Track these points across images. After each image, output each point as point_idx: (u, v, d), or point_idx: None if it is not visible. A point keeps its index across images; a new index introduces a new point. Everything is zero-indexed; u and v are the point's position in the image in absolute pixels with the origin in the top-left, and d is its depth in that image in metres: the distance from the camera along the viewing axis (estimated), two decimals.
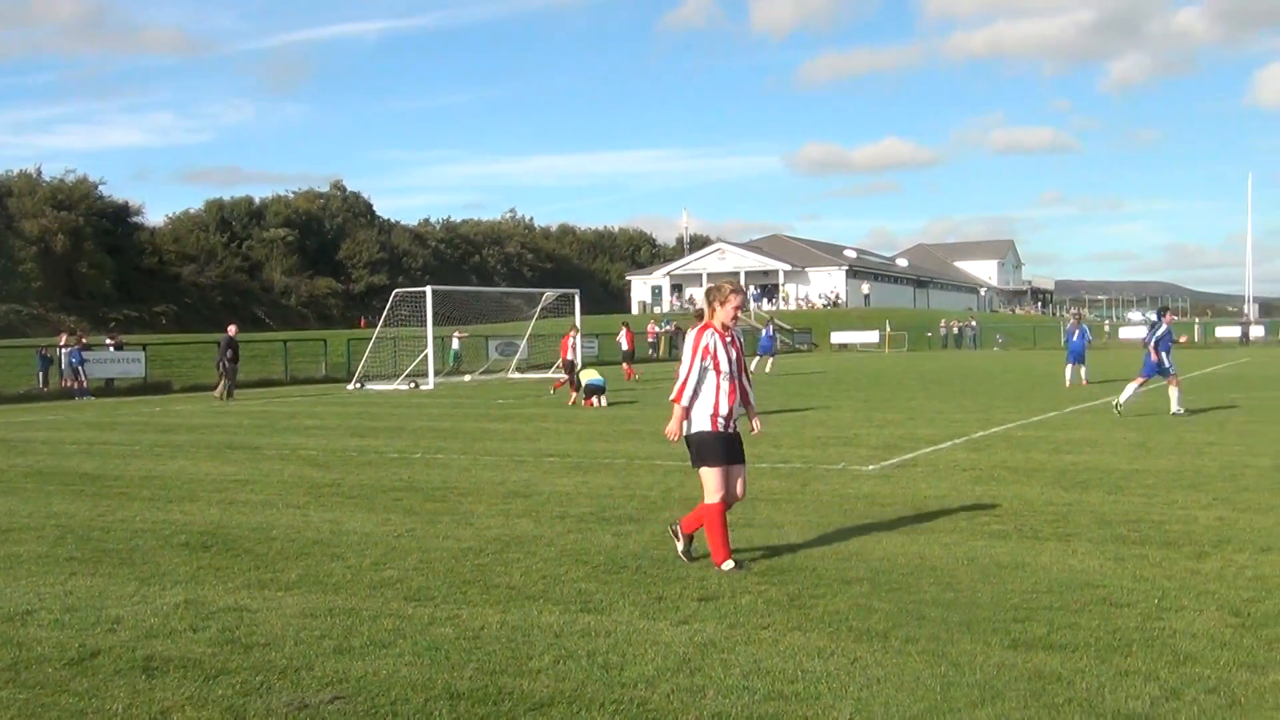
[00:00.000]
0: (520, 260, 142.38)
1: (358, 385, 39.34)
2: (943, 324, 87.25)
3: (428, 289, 41.01)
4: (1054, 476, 13.32)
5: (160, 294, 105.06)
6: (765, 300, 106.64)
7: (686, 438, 8.69)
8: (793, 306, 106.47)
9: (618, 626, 7.00)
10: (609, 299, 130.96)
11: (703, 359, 8.56)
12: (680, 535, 8.92)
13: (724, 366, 8.57)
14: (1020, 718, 5.31)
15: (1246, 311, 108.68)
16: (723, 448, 8.61)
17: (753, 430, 9.26)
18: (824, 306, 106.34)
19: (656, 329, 68.10)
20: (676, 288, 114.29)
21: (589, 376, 27.18)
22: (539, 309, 49.12)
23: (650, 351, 64.45)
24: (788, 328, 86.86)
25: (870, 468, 14.40)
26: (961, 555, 8.93)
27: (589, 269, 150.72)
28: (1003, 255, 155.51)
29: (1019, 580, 8.04)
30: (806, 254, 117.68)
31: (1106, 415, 21.86)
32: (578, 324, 37.64)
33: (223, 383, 33.42)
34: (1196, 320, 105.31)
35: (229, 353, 33.43)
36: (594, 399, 26.81)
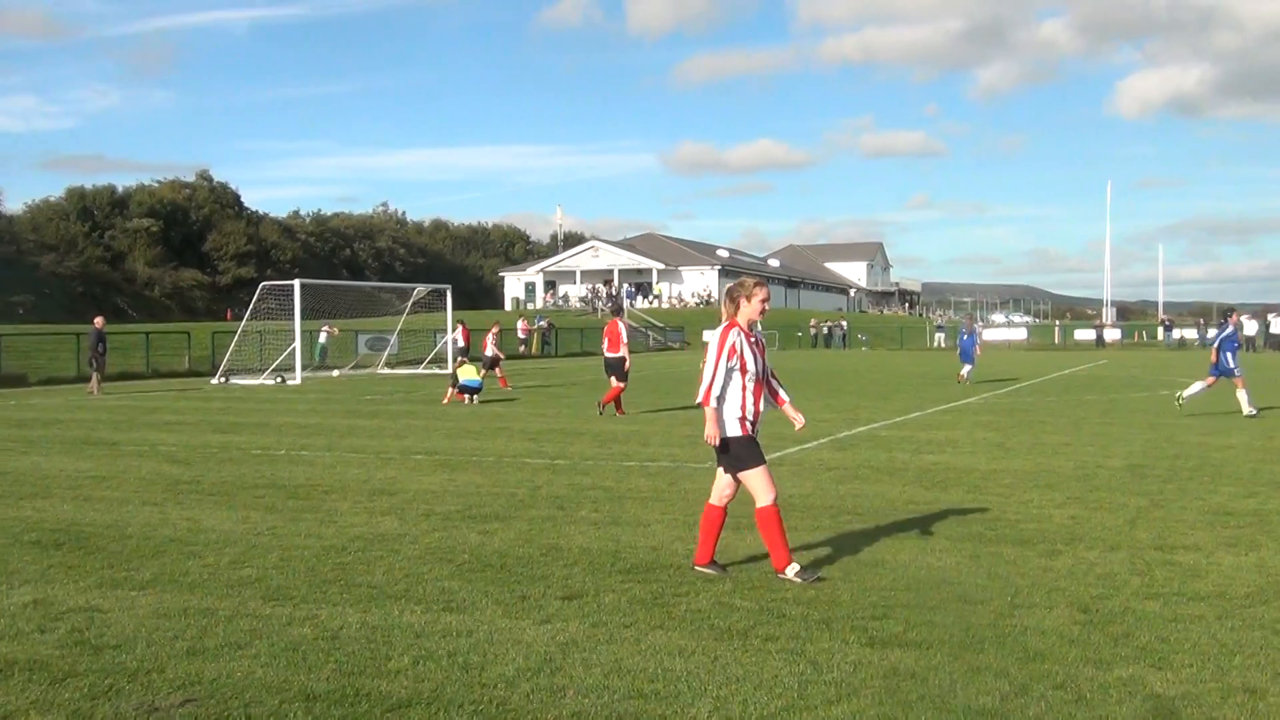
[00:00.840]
0: (392, 255, 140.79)
1: (222, 379, 38.57)
2: (812, 324, 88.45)
3: (296, 282, 40.38)
4: (916, 476, 13.57)
5: (17, 284, 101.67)
6: (639, 298, 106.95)
7: (722, 440, 8.32)
8: (666, 305, 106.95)
9: (479, 626, 6.96)
10: (482, 295, 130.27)
11: (728, 359, 8.21)
12: (783, 569, 8.12)
13: (750, 367, 8.26)
14: (874, 714, 5.40)
15: (1104, 315, 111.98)
16: (758, 448, 8.38)
17: (797, 425, 9.11)
18: (697, 305, 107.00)
19: (529, 326, 67.87)
20: (550, 284, 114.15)
21: (466, 375, 26.96)
22: (410, 304, 48.70)
23: (521, 348, 64.21)
24: (660, 326, 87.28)
25: None
26: (823, 553, 9.05)
27: (462, 265, 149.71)
28: (872, 257, 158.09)
29: (878, 578, 8.17)
30: (680, 253, 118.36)
31: (969, 415, 22.34)
32: (485, 322, 37.41)
33: (95, 376, 32.53)
34: (1057, 323, 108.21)
35: (99, 346, 32.58)
36: (466, 396, 26.65)
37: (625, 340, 23.60)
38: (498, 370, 32.28)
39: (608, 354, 23.85)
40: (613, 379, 23.43)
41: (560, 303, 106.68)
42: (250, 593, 7.88)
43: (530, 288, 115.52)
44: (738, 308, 8.46)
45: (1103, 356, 61.84)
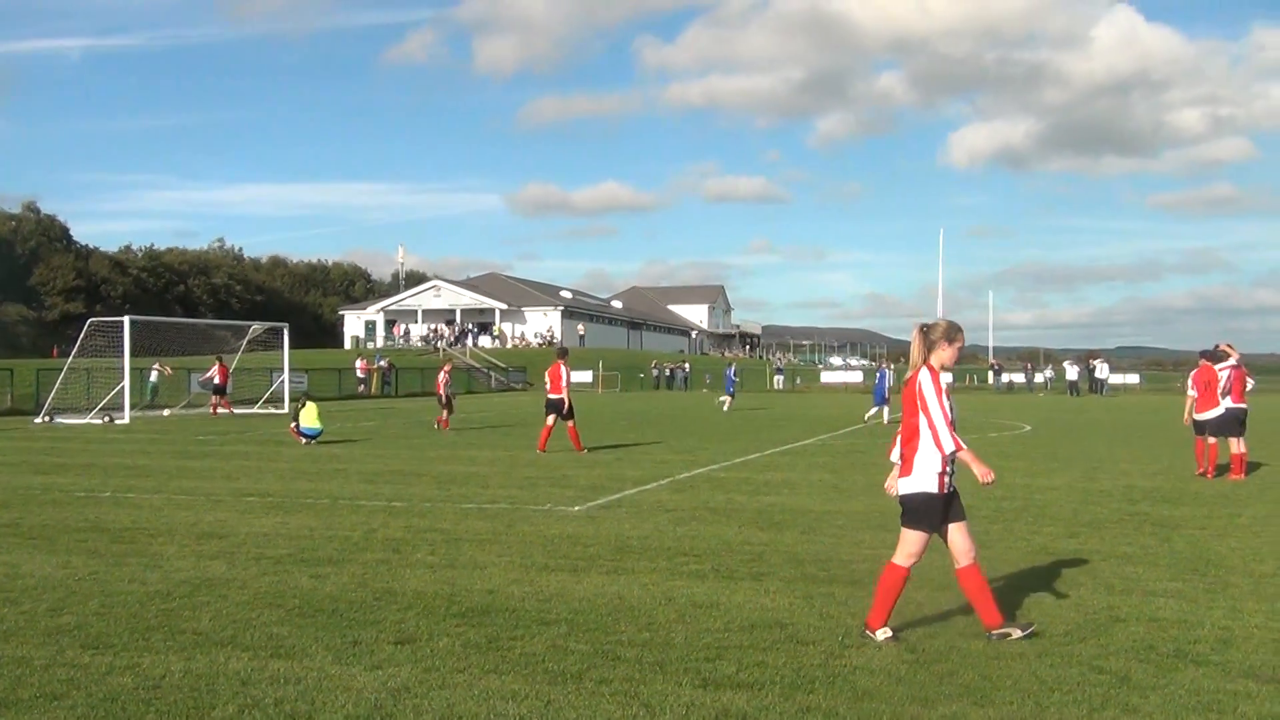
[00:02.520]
0: (228, 292, 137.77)
1: (46, 418, 37.22)
2: (654, 365, 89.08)
3: (125, 319, 39.26)
4: (752, 517, 13.73)
5: None
6: (481, 338, 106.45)
7: (904, 496, 7.82)
8: (509, 345, 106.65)
9: (309, 672, 6.82)
10: (321, 333, 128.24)
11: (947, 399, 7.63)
12: (874, 630, 7.74)
13: (952, 414, 7.71)
14: None
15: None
16: (943, 510, 7.80)
17: (985, 479, 7.79)
18: (539, 346, 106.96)
19: (369, 365, 66.99)
20: (391, 323, 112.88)
21: (308, 421, 26.31)
22: (245, 342, 47.71)
23: (360, 388, 63.31)
24: (503, 366, 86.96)
25: (576, 508, 14.51)
26: (660, 595, 9.09)
27: (301, 302, 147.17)
28: (713, 300, 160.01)
29: (713, 620, 8.24)
30: (523, 293, 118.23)
31: (805, 457, 22.69)
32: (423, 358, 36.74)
33: None
34: (891, 366, 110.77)
35: None
36: (303, 438, 26.12)
37: (566, 382, 24.03)
38: (446, 413, 32.22)
39: (549, 395, 24.19)
40: (550, 419, 23.86)
41: (400, 341, 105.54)
42: (68, 640, 7.59)
43: (370, 326, 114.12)
44: (934, 350, 7.86)
45: None
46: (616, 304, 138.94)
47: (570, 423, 23.97)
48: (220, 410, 41.25)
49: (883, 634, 7.68)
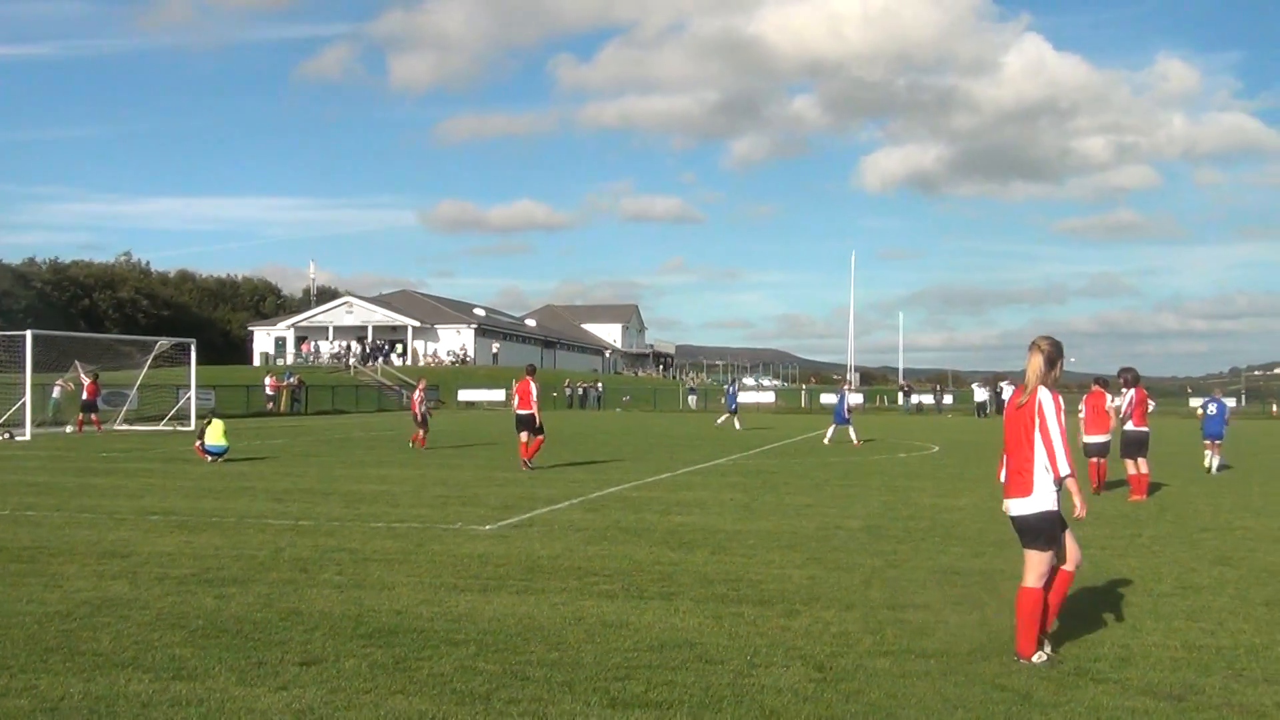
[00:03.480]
0: (135, 306, 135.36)
1: None
2: (567, 384, 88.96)
3: (28, 333, 38.47)
4: (663, 536, 13.76)
5: None
6: (391, 356, 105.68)
7: (1024, 516, 7.75)
8: (421, 363, 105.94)
9: (211, 694, 6.72)
10: (230, 349, 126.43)
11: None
12: (1029, 655, 7.69)
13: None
14: None
15: (848, 379, 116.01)
16: (1060, 526, 7.84)
17: (1079, 513, 7.83)
18: (452, 364, 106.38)
19: (278, 382, 66.21)
20: (301, 340, 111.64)
21: (213, 439, 25.90)
22: (151, 358, 46.92)
23: (269, 405, 62.54)
24: (414, 384, 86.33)
25: (487, 527, 14.45)
26: (570, 615, 9.08)
27: (209, 318, 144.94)
28: (628, 319, 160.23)
29: (623, 639, 8.24)
30: (436, 311, 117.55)
31: (717, 476, 22.79)
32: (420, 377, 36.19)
33: None
34: (803, 387, 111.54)
35: None
36: (209, 456, 25.73)
37: (535, 398, 24.36)
38: (422, 431, 31.99)
39: (518, 411, 24.57)
40: (523, 435, 24.20)
41: (311, 359, 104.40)
42: None
43: (280, 343, 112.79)
44: (1054, 369, 7.91)
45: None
46: (530, 322, 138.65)
47: (539, 438, 24.39)
48: (87, 428, 40.32)
49: (1038, 657, 7.67)
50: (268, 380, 65.86)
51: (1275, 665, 7.70)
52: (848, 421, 36.42)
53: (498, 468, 24.62)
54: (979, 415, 72.91)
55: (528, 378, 24.84)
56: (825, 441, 35.92)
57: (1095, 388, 20.35)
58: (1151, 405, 20.34)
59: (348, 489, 19.45)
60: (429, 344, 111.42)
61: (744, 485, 20.92)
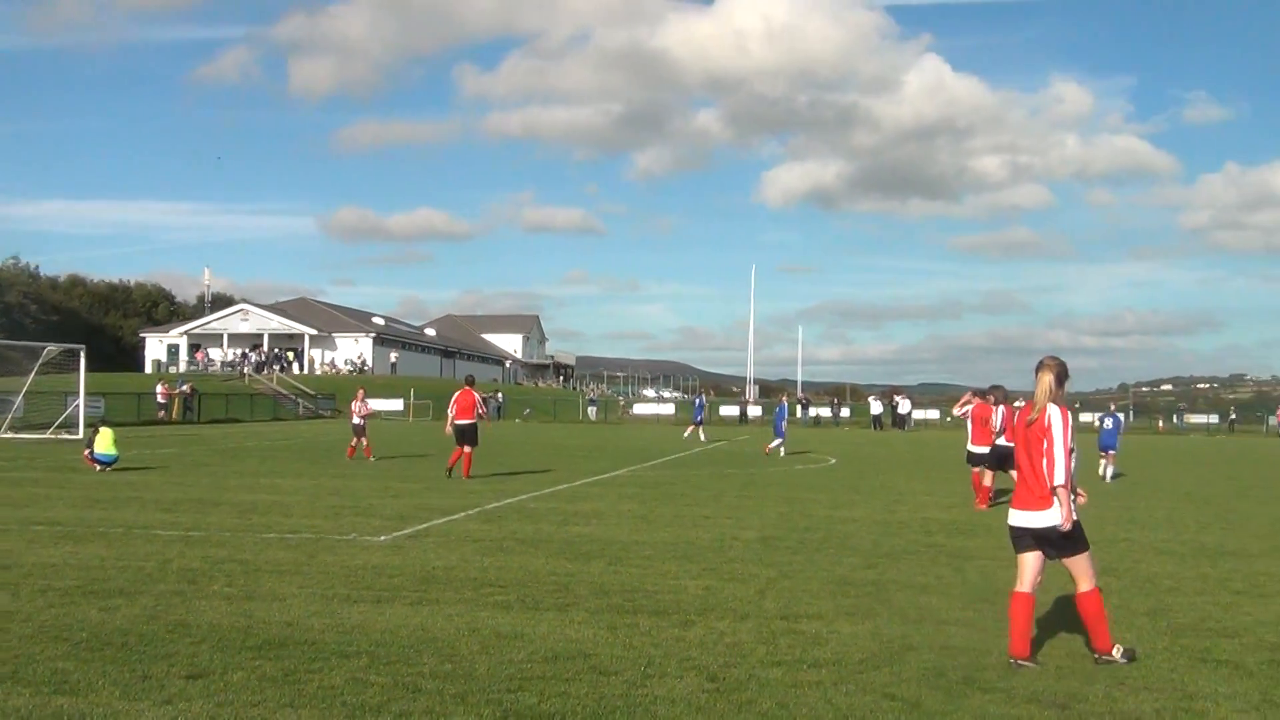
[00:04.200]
0: (22, 311, 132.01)
1: None
2: None
3: None
4: (560, 547, 13.73)
5: None
6: (291, 365, 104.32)
7: (1051, 529, 8.04)
8: (318, 372, 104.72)
9: (94, 709, 6.57)
10: (121, 357, 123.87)
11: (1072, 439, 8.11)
12: (1110, 650, 8.13)
13: (1074, 447, 8.22)
14: None
15: (747, 392, 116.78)
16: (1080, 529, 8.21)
17: (1065, 524, 8.09)
18: (350, 373, 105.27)
19: (170, 390, 64.98)
20: (195, 347, 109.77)
21: (103, 446, 25.35)
22: (39, 364, 45.82)
23: (161, 414, 61.36)
24: (311, 393, 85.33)
25: (382, 538, 14.32)
26: (464, 626, 9.02)
27: (100, 324, 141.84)
28: (528, 330, 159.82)
29: (517, 650, 8.21)
30: (334, 319, 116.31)
31: (615, 488, 22.81)
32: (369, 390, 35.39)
33: None
34: (703, 399, 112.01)
35: None
36: (98, 465, 25.18)
37: (479, 407, 24.99)
38: (363, 439, 31.15)
39: (457, 421, 24.78)
40: (465, 446, 24.54)
41: (205, 367, 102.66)
42: None
43: (173, 350, 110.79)
44: (1061, 387, 8.29)
45: (745, 432, 64.31)
46: (430, 332, 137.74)
47: (470, 450, 24.68)
48: None
49: (1118, 651, 8.10)
50: (159, 388, 64.59)
51: (1157, 674, 7.88)
52: (782, 435, 37.24)
53: (394, 478, 24.41)
54: (875, 428, 73.87)
55: (468, 388, 25.30)
56: (773, 452, 36.65)
57: (978, 400, 20.88)
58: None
59: (239, 499, 19.15)
60: (326, 353, 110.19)
61: (641, 496, 20.95)
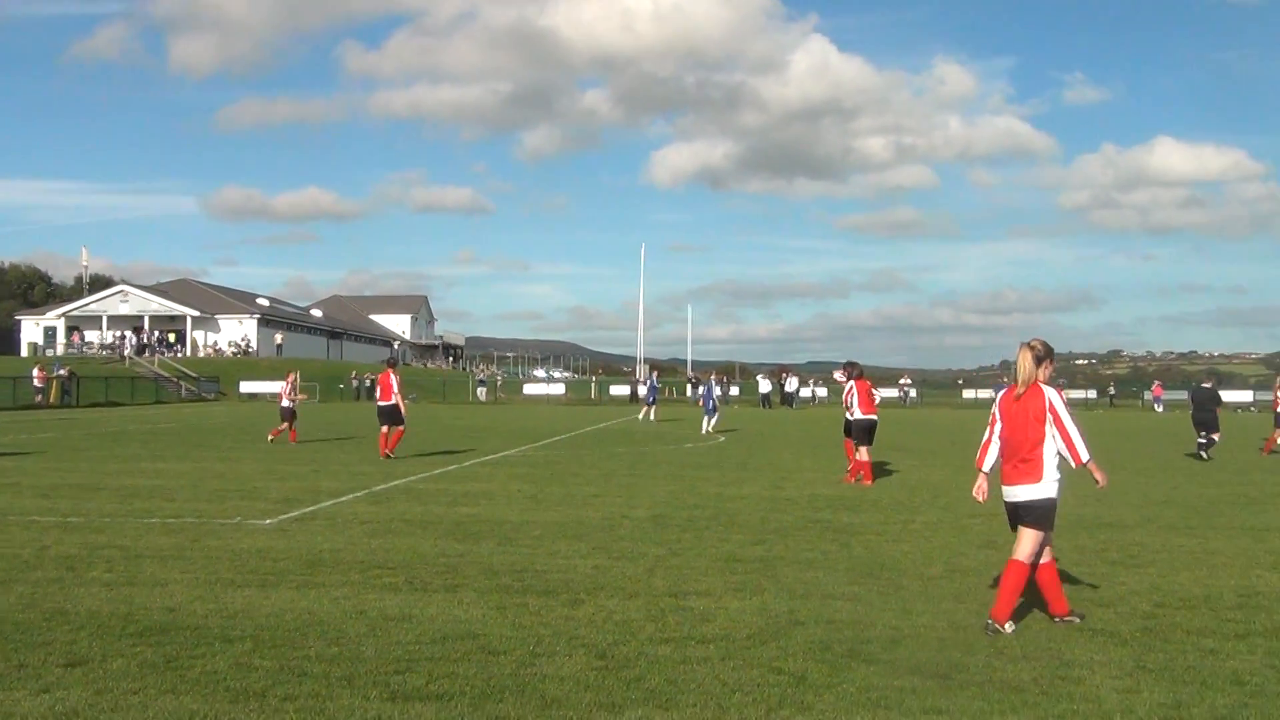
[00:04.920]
0: None
1: None
2: (354, 376, 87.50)
3: None
4: (449, 528, 13.67)
5: None
6: (173, 348, 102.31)
7: (1033, 502, 8.57)
8: (201, 354, 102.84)
9: None
10: None
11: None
12: (1002, 623, 8.41)
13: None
14: None
15: (638, 372, 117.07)
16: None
17: (1103, 483, 8.93)
18: (234, 355, 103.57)
19: (47, 373, 63.38)
20: (73, 330, 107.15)
21: None
22: None
23: (38, 398, 59.84)
24: (194, 376, 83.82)
25: (267, 522, 14.13)
26: (351, 609, 8.95)
27: None
28: (417, 310, 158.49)
29: (404, 632, 8.16)
30: (217, 300, 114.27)
31: (505, 468, 22.75)
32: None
33: None
34: (593, 379, 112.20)
35: None
36: None
37: (397, 390, 25.36)
38: (291, 424, 30.53)
39: (380, 402, 25.58)
40: (385, 427, 25.19)
41: (86, 349, 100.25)
42: None
43: (50, 333, 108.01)
44: (1040, 367, 8.72)
45: (635, 412, 64.50)
46: (316, 312, 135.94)
47: (400, 429, 25.42)
48: None
49: (1010, 627, 8.38)
50: (35, 372, 62.99)
51: (1034, 643, 8.07)
52: (715, 410, 39.16)
53: (280, 460, 24.08)
54: (763, 406, 74.55)
55: (389, 370, 25.95)
56: (709, 431, 37.98)
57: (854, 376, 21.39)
58: (877, 396, 21.47)
59: (120, 484, 18.76)
60: (209, 334, 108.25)
61: (532, 476, 20.92)
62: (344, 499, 16.73)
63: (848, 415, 21.09)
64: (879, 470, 22.33)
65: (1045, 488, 8.54)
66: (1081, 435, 8.52)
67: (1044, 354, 8.74)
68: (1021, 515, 8.65)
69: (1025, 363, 8.72)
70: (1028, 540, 8.59)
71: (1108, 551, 12.43)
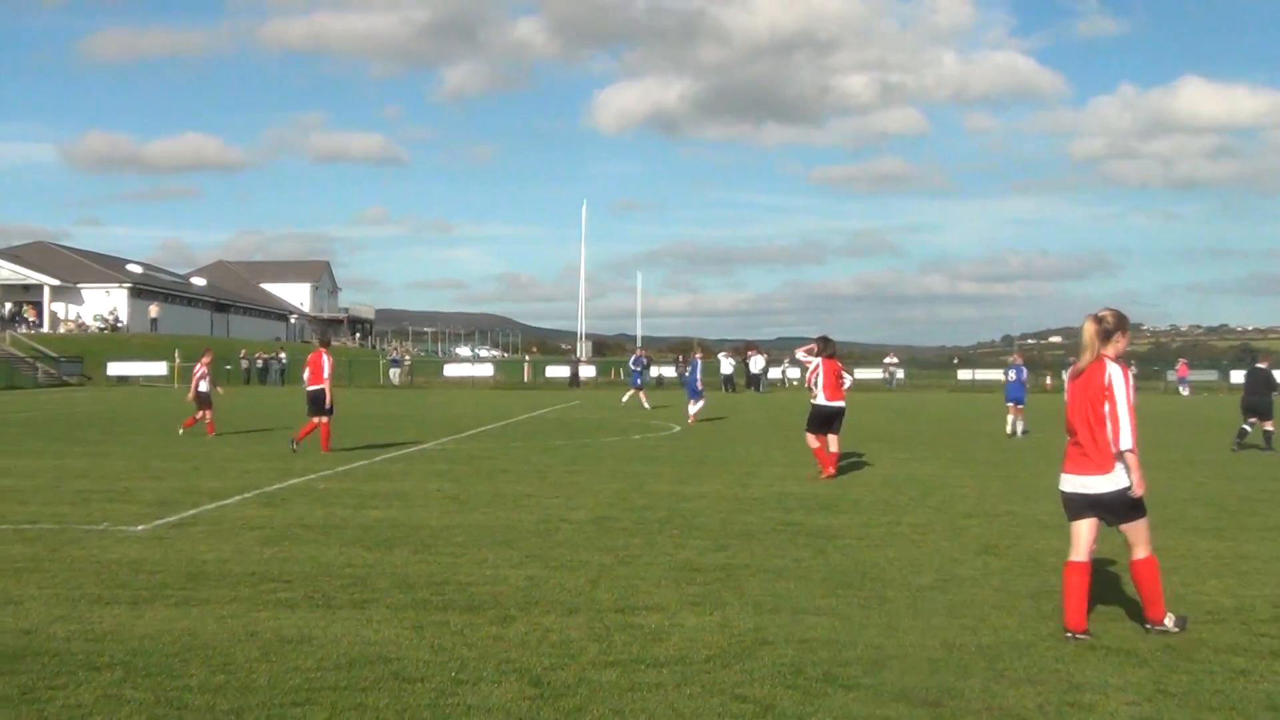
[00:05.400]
0: None
1: None
2: (243, 354, 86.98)
3: None
4: (356, 534, 13.64)
5: None
6: (23, 322, 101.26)
7: (1106, 494, 8.88)
8: (62, 330, 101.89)
9: None
10: None
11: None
12: (1162, 620, 8.99)
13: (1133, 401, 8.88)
14: None
15: (579, 350, 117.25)
16: None
17: (1139, 490, 8.99)
18: (101, 330, 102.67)
19: None
20: None
21: None
22: None
23: None
24: (54, 355, 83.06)
25: (140, 528, 14.05)
26: (240, 630, 8.91)
27: None
28: (317, 278, 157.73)
29: (304, 657, 8.14)
30: (81, 267, 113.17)
31: (422, 464, 22.72)
32: None
33: None
34: (526, 358, 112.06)
35: None
36: None
37: (329, 374, 25.67)
38: (208, 412, 30.41)
39: (309, 387, 25.90)
40: (316, 416, 25.51)
41: None
42: None
43: None
44: (1110, 342, 9.00)
45: (576, 397, 64.61)
46: (199, 281, 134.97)
47: (326, 419, 25.55)
48: None
49: (1171, 620, 8.98)
50: None
51: (1039, 664, 8.16)
52: (700, 394, 39.56)
53: (156, 456, 23.93)
54: (726, 389, 74.71)
55: (321, 350, 26.20)
56: (696, 416, 38.39)
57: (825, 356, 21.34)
58: (848, 380, 21.54)
59: None
60: (71, 307, 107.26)
61: (454, 474, 20.91)
62: (230, 501, 16.64)
63: (811, 401, 21.22)
64: (858, 464, 22.48)
65: (1118, 478, 8.87)
66: (1132, 423, 8.79)
67: (1114, 326, 9.03)
68: (1103, 513, 8.99)
69: (1089, 335, 9.05)
70: (1138, 532, 9.01)
71: (1123, 557, 12.54)
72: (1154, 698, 7.40)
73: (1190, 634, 9.02)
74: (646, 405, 46.99)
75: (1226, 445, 27.95)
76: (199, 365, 31.44)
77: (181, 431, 30.34)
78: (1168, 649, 8.59)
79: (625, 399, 50.71)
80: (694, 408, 38.81)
